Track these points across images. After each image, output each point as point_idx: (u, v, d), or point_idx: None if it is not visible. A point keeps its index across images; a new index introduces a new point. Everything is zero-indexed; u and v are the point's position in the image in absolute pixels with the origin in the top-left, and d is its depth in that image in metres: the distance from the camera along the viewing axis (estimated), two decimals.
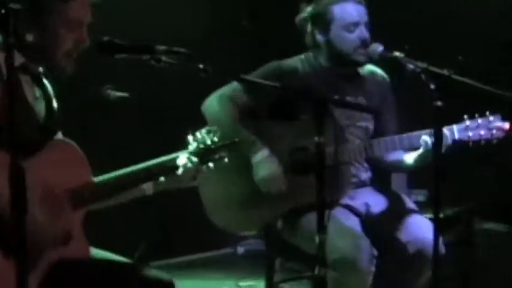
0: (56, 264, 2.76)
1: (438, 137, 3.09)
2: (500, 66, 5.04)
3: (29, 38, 2.76)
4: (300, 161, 3.72)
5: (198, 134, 3.10)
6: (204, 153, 3.08)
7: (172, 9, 5.72)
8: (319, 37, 3.81)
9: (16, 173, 2.15)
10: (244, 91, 3.79)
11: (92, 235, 2.89)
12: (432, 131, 3.33)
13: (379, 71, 3.96)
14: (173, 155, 3.04)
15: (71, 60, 2.85)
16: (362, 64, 3.83)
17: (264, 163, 3.70)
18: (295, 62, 3.88)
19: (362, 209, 3.79)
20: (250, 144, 3.73)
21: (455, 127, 3.55)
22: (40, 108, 2.90)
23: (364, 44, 3.71)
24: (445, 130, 3.51)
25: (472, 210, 4.89)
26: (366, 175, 3.91)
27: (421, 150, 3.60)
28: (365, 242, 3.50)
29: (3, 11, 2.19)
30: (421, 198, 4.96)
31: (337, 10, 3.76)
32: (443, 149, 3.38)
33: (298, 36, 3.97)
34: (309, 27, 3.85)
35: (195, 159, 3.03)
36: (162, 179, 3.03)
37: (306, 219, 3.61)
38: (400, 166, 3.85)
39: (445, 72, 3.08)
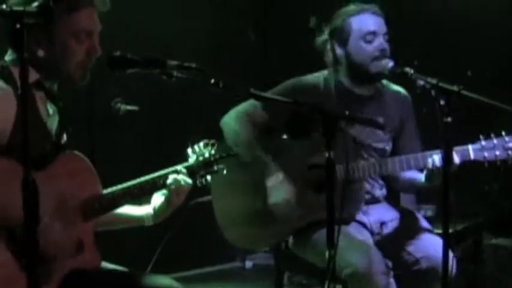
0: (70, 275, 2.78)
1: (447, 153, 3.10)
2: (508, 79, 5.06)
3: (40, 53, 2.78)
4: (314, 178, 3.67)
5: (196, 147, 3.15)
6: (202, 166, 3.11)
7: (177, 20, 5.74)
8: (339, 51, 3.78)
9: (28, 186, 2.18)
10: (262, 108, 3.76)
11: (103, 249, 2.92)
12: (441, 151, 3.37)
13: (402, 90, 3.91)
14: (176, 167, 3.07)
15: (86, 71, 2.87)
16: (378, 77, 3.77)
17: (278, 188, 3.66)
18: (317, 78, 3.85)
19: (376, 227, 3.78)
20: (265, 165, 3.69)
21: (470, 147, 3.52)
22: (52, 124, 2.92)
23: (384, 54, 3.69)
24: (459, 150, 3.50)
25: (480, 225, 4.89)
26: (380, 192, 3.88)
27: (428, 168, 3.56)
28: (377, 255, 3.48)
29: (17, 26, 2.21)
30: (429, 213, 4.96)
31: (355, 21, 3.75)
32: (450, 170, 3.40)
33: (305, 49, 3.97)
34: (328, 45, 3.84)
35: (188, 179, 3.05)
36: (165, 191, 3.05)
37: (318, 234, 3.60)
38: (414, 185, 3.81)
39: (455, 88, 3.09)
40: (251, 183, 3.73)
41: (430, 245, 3.61)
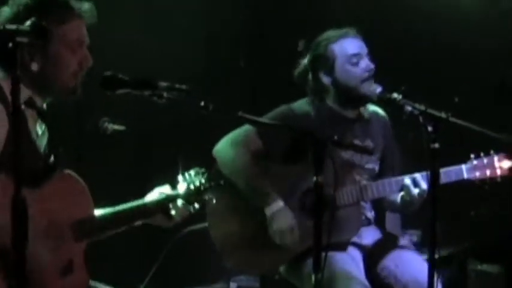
0: None
1: (434, 178, 3.12)
2: (494, 106, 5.10)
3: (34, 67, 2.79)
4: (309, 203, 3.66)
5: (187, 175, 3.17)
6: (193, 194, 3.14)
7: (169, 47, 5.75)
8: (326, 79, 3.79)
9: (18, 205, 2.17)
10: (258, 135, 3.74)
11: (93, 268, 2.92)
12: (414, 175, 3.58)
13: (380, 110, 3.97)
14: (170, 195, 3.12)
15: (79, 81, 2.88)
16: (366, 100, 3.81)
17: (279, 216, 3.61)
18: (305, 105, 3.85)
19: (367, 249, 3.81)
20: (264, 195, 3.65)
21: (464, 167, 3.63)
22: (42, 143, 2.91)
23: (372, 74, 3.74)
24: (453, 169, 3.61)
25: (466, 251, 4.91)
26: (370, 214, 3.92)
27: (401, 193, 3.67)
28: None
29: (10, 45, 2.22)
30: (414, 238, 4.97)
31: (337, 47, 3.78)
32: (421, 195, 3.55)
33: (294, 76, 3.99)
34: (310, 75, 3.85)
35: (184, 202, 3.11)
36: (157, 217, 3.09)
37: (310, 261, 3.52)
38: (394, 206, 3.88)
39: (443, 114, 3.12)
40: (249, 208, 3.69)
41: (416, 269, 3.63)
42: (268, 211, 3.62)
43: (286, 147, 3.74)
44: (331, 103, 3.83)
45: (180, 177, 3.17)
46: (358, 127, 3.85)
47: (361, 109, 3.88)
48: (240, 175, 3.69)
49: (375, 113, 3.96)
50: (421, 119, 3.16)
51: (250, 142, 3.75)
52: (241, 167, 3.71)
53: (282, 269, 3.82)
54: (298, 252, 3.66)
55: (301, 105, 3.85)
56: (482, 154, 3.64)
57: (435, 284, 3.12)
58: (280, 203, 3.63)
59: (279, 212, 3.61)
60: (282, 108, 3.81)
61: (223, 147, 3.78)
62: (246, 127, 3.74)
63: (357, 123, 3.86)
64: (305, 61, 3.89)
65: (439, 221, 3.08)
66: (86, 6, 2.91)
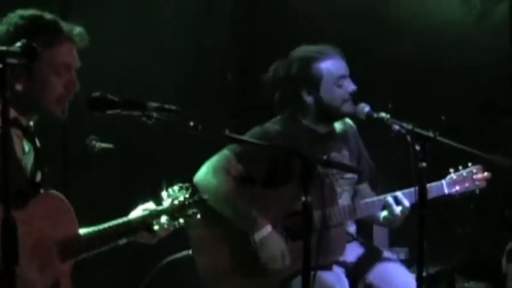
0: None
1: (422, 196, 3.14)
2: (481, 124, 5.13)
3: (19, 87, 2.78)
4: (293, 226, 3.65)
5: (171, 190, 3.18)
6: (177, 209, 3.14)
7: (156, 62, 5.75)
8: (308, 98, 3.77)
9: (8, 226, 2.17)
10: (236, 160, 3.69)
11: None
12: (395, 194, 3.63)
13: (347, 120, 3.96)
14: (153, 210, 3.11)
15: (65, 105, 2.88)
16: (349, 116, 3.83)
17: (268, 241, 3.57)
18: (278, 124, 3.83)
19: (351, 266, 3.82)
20: (251, 221, 3.59)
21: (444, 182, 3.68)
22: (27, 162, 2.90)
23: (353, 95, 3.74)
24: (434, 185, 3.67)
25: (453, 268, 4.92)
26: (352, 228, 3.94)
27: (384, 212, 3.70)
28: None
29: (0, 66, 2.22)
30: (402, 256, 4.97)
31: (324, 67, 3.75)
32: (404, 212, 3.59)
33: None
34: (288, 89, 3.83)
35: (168, 218, 3.11)
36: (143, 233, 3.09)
37: (297, 281, 3.54)
38: (376, 222, 3.90)
39: (430, 133, 3.14)
40: (237, 235, 3.65)
41: (400, 283, 3.67)
42: (257, 237, 3.58)
43: (267, 169, 3.72)
44: (307, 120, 3.83)
45: (164, 194, 3.17)
46: (334, 140, 3.87)
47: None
48: (225, 203, 3.64)
49: (344, 122, 3.97)
50: (408, 138, 3.17)
51: (231, 168, 3.70)
52: (225, 194, 3.65)
53: None
54: (286, 275, 3.64)
55: (274, 124, 3.83)
56: (460, 167, 3.71)
57: None
58: (268, 228, 3.58)
59: (268, 237, 3.57)
60: (255, 130, 3.78)
61: (205, 176, 3.70)
62: (225, 153, 3.71)
63: (331, 136, 3.87)
64: (270, 76, 3.89)
65: (426, 238, 3.09)
66: (77, 29, 2.90)
